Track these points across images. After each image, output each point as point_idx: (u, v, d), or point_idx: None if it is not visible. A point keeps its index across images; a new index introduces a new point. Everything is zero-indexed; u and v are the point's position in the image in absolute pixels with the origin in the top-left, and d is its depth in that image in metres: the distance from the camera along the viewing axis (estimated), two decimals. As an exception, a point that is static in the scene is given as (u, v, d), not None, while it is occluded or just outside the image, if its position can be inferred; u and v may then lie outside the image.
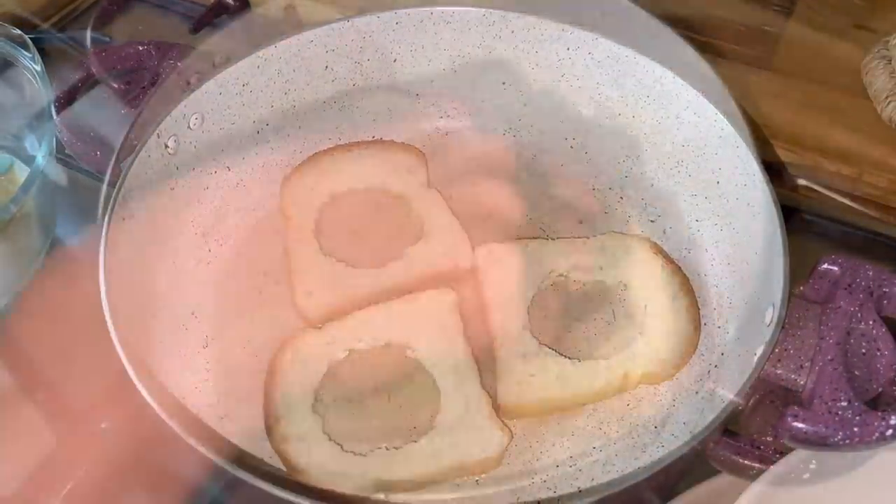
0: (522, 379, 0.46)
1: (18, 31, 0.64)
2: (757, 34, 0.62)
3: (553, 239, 0.53)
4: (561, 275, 0.51)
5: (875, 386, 0.38)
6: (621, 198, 0.57)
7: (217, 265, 0.53)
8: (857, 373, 0.38)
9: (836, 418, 0.36)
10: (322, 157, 0.57)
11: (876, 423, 0.36)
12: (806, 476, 0.41)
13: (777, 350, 0.40)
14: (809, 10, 0.60)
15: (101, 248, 0.43)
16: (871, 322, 0.40)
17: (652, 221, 0.55)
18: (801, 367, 0.39)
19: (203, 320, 0.50)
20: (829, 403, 0.37)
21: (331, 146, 0.57)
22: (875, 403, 0.38)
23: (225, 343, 0.49)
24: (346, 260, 0.51)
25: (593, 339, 0.49)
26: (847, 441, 0.36)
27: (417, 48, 0.58)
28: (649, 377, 0.47)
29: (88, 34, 0.53)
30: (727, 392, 0.41)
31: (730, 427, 0.41)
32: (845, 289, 0.41)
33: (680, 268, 0.51)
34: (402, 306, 0.49)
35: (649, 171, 0.56)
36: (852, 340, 0.39)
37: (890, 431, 0.36)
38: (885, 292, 0.40)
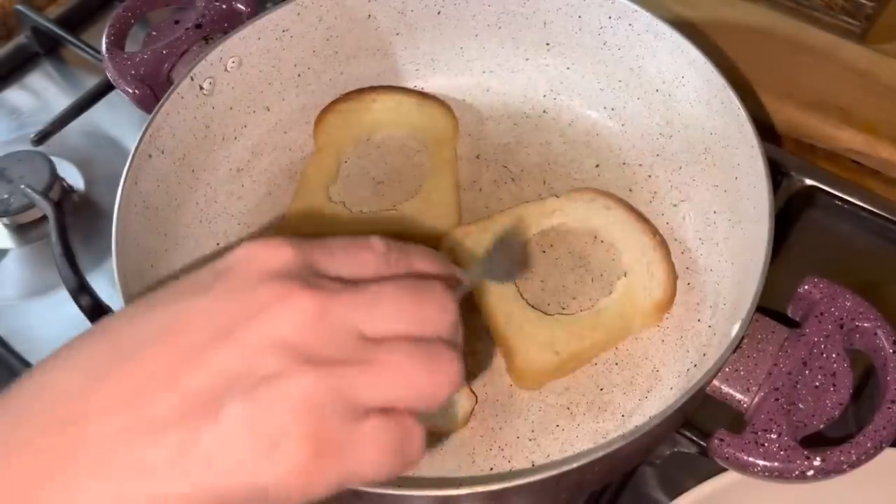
0: (535, 344, 0.47)
1: (33, 37, 0.68)
2: (759, 35, 0.60)
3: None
4: (535, 234, 0.52)
5: (816, 423, 0.37)
6: (649, 176, 0.55)
7: (248, 200, 0.56)
8: (801, 406, 0.37)
9: (761, 450, 0.36)
10: (356, 97, 0.58)
11: (798, 462, 0.35)
12: (810, 473, 0.40)
13: (728, 368, 0.39)
14: (813, 10, 0.57)
15: (121, 184, 0.47)
16: (833, 356, 0.38)
17: (674, 206, 0.54)
18: (748, 389, 0.39)
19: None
20: (759, 433, 0.36)
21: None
22: (815, 440, 0.37)
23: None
24: (345, 199, 0.54)
25: (582, 293, 0.50)
26: (766, 474, 0.36)
27: (462, 1, 0.57)
28: (645, 315, 0.49)
29: (104, 40, 0.55)
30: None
31: (734, 425, 0.40)
32: (817, 317, 0.39)
33: (652, 225, 0.52)
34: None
35: (681, 152, 0.54)
36: (808, 371, 0.38)
37: (811, 472, 0.35)
38: (856, 326, 0.38)
